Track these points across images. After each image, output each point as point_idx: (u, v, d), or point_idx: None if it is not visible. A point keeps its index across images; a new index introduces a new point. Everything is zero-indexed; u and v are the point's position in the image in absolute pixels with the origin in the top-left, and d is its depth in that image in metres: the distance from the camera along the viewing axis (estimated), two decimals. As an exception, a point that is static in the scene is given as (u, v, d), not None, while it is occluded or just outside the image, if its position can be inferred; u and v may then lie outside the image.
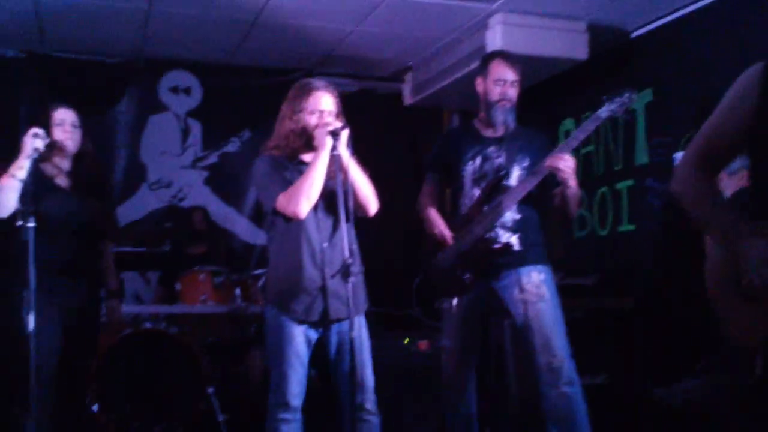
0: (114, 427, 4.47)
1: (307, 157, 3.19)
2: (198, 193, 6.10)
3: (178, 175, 6.09)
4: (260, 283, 5.08)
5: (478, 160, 3.65)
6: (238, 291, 5.04)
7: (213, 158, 6.16)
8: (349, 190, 3.06)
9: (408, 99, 6.43)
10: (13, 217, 3.32)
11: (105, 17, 5.07)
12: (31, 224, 3.11)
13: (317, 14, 5.06)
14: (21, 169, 3.28)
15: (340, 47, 5.73)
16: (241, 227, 6.17)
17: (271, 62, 6.09)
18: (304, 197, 3.07)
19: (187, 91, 6.11)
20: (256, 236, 6.16)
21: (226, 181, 6.17)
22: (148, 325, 4.75)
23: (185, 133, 6.11)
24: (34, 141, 3.31)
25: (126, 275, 5.74)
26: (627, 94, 3.33)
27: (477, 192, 3.62)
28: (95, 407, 4.44)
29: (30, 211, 3.11)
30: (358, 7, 4.97)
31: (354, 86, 6.08)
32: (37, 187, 3.31)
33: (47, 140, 3.41)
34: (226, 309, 4.97)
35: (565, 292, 3.67)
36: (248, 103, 6.17)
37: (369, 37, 5.51)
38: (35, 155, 3.31)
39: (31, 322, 3.08)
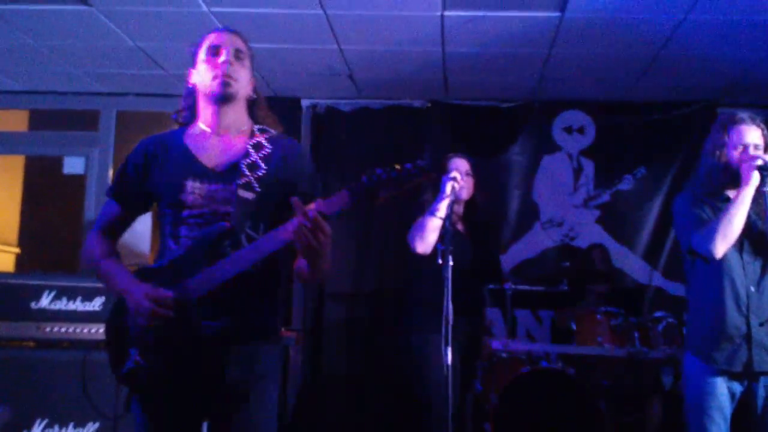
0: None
1: (731, 194, 2.98)
2: (590, 232, 6.01)
3: (570, 214, 6.06)
4: (660, 327, 4.83)
5: None
6: (636, 334, 4.83)
7: (605, 197, 6.04)
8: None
9: (827, 126, 5.73)
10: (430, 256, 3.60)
11: (505, 64, 5.28)
12: (450, 263, 3.30)
13: (726, 42, 4.73)
14: (441, 210, 3.53)
15: (747, 75, 5.29)
16: (634, 267, 5.94)
17: (670, 96, 5.84)
18: (720, 236, 2.88)
19: (581, 130, 6.09)
20: (650, 277, 5.90)
21: (619, 220, 6.00)
22: (544, 364, 4.77)
23: (577, 172, 6.09)
24: (452, 184, 3.54)
25: (518, 313, 5.85)
26: None
27: None
28: (495, 442, 4.55)
29: (449, 250, 3.31)
30: (771, 31, 4.57)
31: (764, 115, 5.54)
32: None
33: (462, 185, 3.66)
34: (623, 352, 4.78)
35: None
36: (643, 139, 5.97)
37: (784, 61, 5.02)
38: (452, 197, 3.54)
39: (449, 355, 3.24)
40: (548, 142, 6.11)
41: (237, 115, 2.33)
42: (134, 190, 2.34)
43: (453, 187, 3.57)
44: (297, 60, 5.29)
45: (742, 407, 2.99)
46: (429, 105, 6.14)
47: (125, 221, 2.42)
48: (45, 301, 4.00)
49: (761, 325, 2.91)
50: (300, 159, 2.35)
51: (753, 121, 3.03)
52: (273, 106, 5.93)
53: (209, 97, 2.28)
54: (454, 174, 3.59)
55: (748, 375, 2.94)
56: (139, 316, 2.11)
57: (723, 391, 2.95)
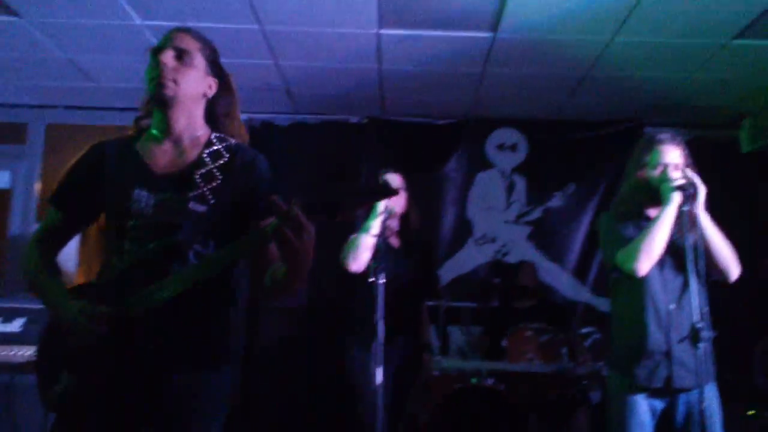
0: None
1: (653, 213, 3.06)
2: (521, 248, 6.12)
3: (503, 231, 6.16)
4: (588, 342, 4.94)
5: None
6: (564, 350, 4.93)
7: (537, 213, 6.16)
8: (700, 249, 2.88)
9: (745, 146, 5.98)
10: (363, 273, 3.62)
11: (441, 82, 5.35)
12: (382, 281, 3.32)
13: (651, 63, 4.89)
14: (374, 227, 3.55)
15: (672, 96, 5.48)
16: (564, 283, 6.05)
17: (599, 115, 6.00)
18: (644, 254, 2.95)
19: (513, 147, 6.21)
20: (579, 293, 6.03)
21: (550, 236, 6.12)
22: (475, 381, 4.82)
23: (510, 188, 6.19)
24: (385, 201, 3.56)
25: (451, 329, 5.90)
26: None
27: None
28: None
29: (381, 267, 3.32)
30: (694, 55, 4.75)
31: (686, 134, 5.74)
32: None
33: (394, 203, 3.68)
34: (552, 368, 4.87)
35: None
36: (573, 156, 6.11)
37: (703, 84, 5.22)
38: (385, 214, 3.56)
39: (379, 375, 3.25)
40: (482, 159, 6.21)
41: (190, 120, 2.17)
42: (80, 197, 2.16)
43: (386, 205, 3.59)
44: (232, 74, 5.24)
45: (664, 422, 3.05)
46: (366, 121, 6.18)
47: (67, 232, 2.23)
48: (-35, 322, 3.85)
49: (681, 341, 2.95)
50: (260, 173, 2.17)
51: (674, 140, 3.10)
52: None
53: (152, 102, 2.16)
54: (386, 192, 3.61)
55: (668, 391, 2.99)
56: (72, 335, 1.95)
57: (644, 407, 3.00)
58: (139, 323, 1.93)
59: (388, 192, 1.80)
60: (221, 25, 4.45)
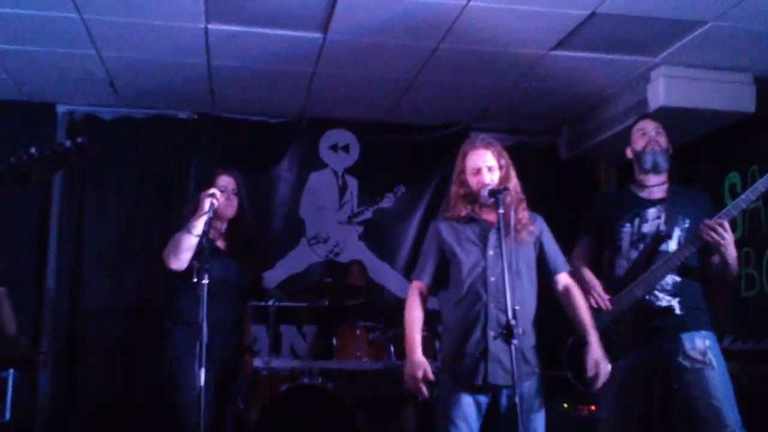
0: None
1: (482, 214, 3.17)
2: (353, 248, 6.19)
3: (335, 231, 6.21)
4: (415, 339, 5.05)
5: (636, 222, 3.52)
6: (392, 348, 5.03)
7: (368, 214, 6.25)
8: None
9: (564, 152, 6.34)
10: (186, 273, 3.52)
11: (272, 80, 5.32)
12: (205, 281, 3.23)
13: (476, 71, 5.09)
14: (197, 227, 3.46)
15: (497, 102, 5.74)
16: (394, 282, 6.18)
17: (428, 119, 6.18)
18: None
19: (346, 148, 6.28)
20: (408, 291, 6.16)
21: (381, 237, 6.24)
22: (305, 380, 4.82)
23: (342, 189, 6.26)
24: (211, 201, 3.48)
25: (283, 329, 5.89)
26: None
27: (635, 254, 3.49)
28: (256, 460, 4.51)
29: (205, 268, 3.23)
30: (516, 65, 4.98)
31: (510, 140, 6.03)
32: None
33: (220, 202, 3.59)
34: (380, 365, 4.96)
35: (731, 357, 3.46)
36: (404, 159, 6.26)
37: (526, 92, 5.49)
38: (210, 215, 3.47)
39: (201, 376, 3.17)
40: (315, 159, 6.23)
41: None
42: None
43: (212, 204, 3.50)
44: (51, 64, 4.98)
45: (490, 416, 3.16)
46: (196, 117, 6.04)
47: None
48: None
49: (495, 338, 3.06)
50: None
51: (484, 143, 3.20)
52: (25, 112, 5.60)
53: None
54: (212, 191, 3.53)
55: (489, 387, 3.09)
56: None
57: (468, 401, 3.09)
58: None
59: (83, 151, 1.69)
60: (37, 12, 4.21)
